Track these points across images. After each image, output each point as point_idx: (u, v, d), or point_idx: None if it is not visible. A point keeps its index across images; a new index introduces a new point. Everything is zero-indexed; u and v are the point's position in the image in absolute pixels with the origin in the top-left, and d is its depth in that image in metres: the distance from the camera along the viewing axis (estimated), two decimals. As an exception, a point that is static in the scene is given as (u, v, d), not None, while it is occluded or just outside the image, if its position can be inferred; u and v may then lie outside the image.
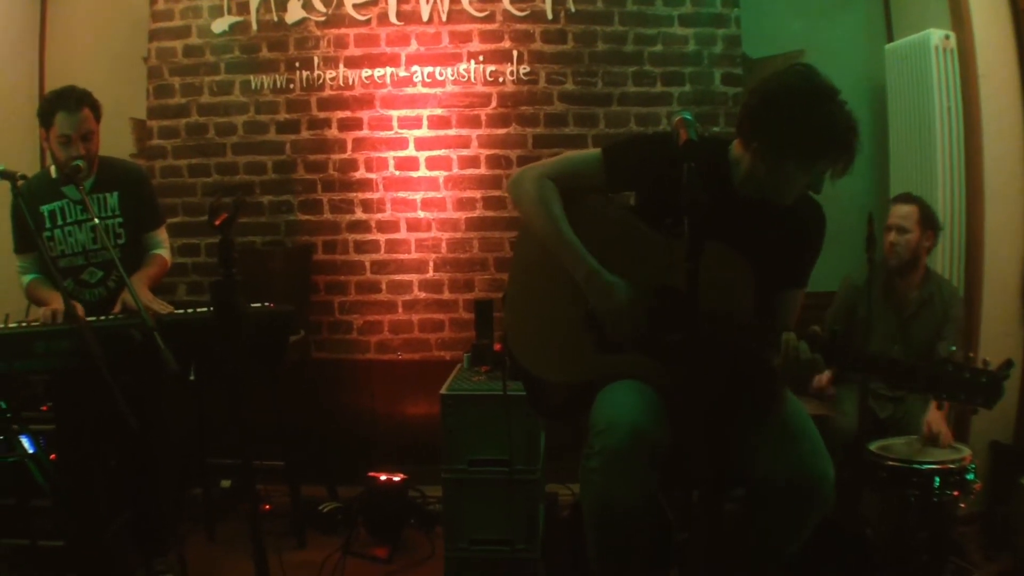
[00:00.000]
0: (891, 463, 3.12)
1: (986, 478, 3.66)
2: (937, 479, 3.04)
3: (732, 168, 2.31)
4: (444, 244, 4.72)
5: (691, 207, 1.78)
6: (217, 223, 2.17)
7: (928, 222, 3.65)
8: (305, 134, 4.73)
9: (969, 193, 4.09)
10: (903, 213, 3.66)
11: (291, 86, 4.70)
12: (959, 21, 4.08)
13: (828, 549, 3.11)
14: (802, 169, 2.17)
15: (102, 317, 3.06)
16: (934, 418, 3.31)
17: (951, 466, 3.06)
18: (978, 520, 3.77)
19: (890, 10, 4.82)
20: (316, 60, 4.68)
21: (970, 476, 3.08)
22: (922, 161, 4.21)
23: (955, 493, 3.07)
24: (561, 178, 2.45)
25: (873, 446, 3.24)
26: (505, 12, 4.63)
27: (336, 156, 4.72)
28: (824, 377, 3.71)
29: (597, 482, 2.16)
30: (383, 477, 3.96)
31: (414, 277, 4.74)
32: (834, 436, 3.33)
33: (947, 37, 4.09)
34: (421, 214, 4.71)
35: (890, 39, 4.69)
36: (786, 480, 2.16)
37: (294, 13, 4.67)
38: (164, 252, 3.53)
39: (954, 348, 2.10)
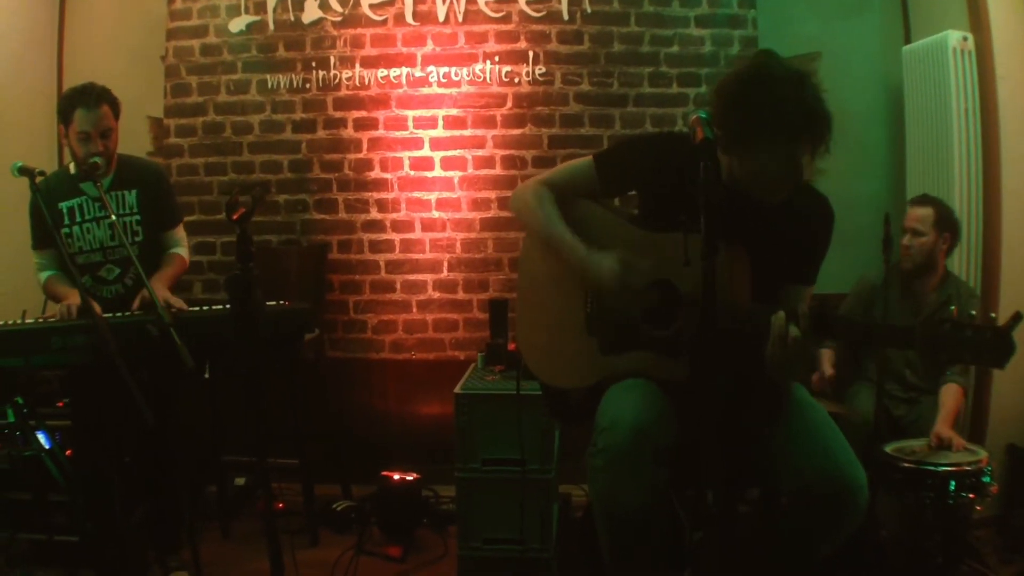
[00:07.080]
0: (906, 465, 3.11)
1: (1002, 481, 3.63)
2: (952, 482, 3.02)
3: (721, 165, 2.23)
4: (459, 244, 4.72)
5: (708, 205, 1.78)
6: (235, 217, 2.18)
7: (945, 224, 3.60)
8: (321, 133, 4.74)
9: (986, 195, 4.06)
10: (919, 216, 3.62)
11: (307, 85, 4.72)
12: (977, 23, 4.06)
13: (842, 550, 3.09)
14: (764, 156, 2.06)
15: (118, 314, 3.08)
16: (941, 428, 3.28)
17: (967, 468, 3.04)
18: (994, 523, 3.75)
19: (908, 11, 4.78)
20: (332, 60, 4.70)
21: (986, 479, 3.06)
22: (939, 163, 4.18)
23: (971, 496, 3.04)
24: (558, 186, 2.50)
25: (888, 448, 3.23)
26: (521, 13, 4.64)
27: (352, 156, 4.74)
28: (825, 372, 3.69)
29: (602, 480, 2.18)
30: (396, 476, 3.97)
31: (428, 277, 4.74)
32: (847, 434, 3.31)
33: (965, 39, 4.06)
34: (436, 214, 4.72)
35: (907, 41, 4.66)
36: (824, 491, 2.13)
37: (311, 13, 4.69)
38: (182, 251, 3.54)
39: (953, 308, 1.89)
